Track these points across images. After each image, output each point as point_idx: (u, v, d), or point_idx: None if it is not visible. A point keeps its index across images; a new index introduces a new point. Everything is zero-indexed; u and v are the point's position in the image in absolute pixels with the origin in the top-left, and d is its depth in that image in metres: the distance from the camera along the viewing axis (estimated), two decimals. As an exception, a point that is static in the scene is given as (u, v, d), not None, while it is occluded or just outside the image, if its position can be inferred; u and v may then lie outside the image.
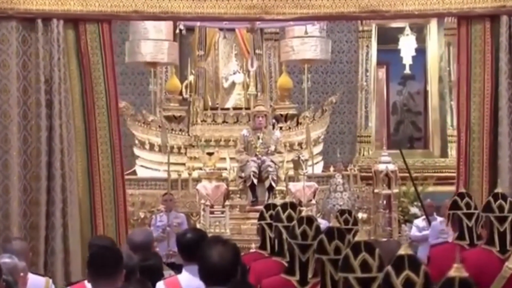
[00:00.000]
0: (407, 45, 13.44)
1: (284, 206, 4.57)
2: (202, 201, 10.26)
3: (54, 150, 7.18)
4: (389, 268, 2.51)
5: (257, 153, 10.52)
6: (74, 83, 7.40)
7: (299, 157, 10.69)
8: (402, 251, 2.52)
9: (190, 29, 11.77)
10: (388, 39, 13.65)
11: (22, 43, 7.29)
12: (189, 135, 12.04)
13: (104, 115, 7.39)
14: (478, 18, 7.58)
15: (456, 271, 2.36)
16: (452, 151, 13.35)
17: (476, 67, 7.60)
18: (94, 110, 7.38)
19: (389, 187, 10.72)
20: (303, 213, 3.98)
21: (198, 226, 10.03)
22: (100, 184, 7.30)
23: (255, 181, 10.32)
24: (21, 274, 4.55)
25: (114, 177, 7.36)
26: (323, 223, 7.88)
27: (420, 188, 11.85)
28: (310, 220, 3.86)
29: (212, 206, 10.23)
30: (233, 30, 12.25)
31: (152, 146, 12.04)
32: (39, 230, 7.07)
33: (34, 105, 7.23)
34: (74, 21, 7.37)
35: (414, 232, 10.64)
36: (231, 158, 11.05)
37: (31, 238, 7.02)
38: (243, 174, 10.52)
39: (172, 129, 12.03)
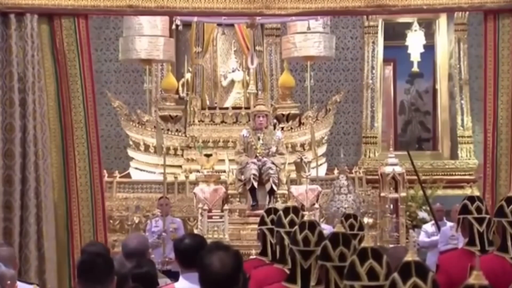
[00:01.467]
0: (415, 41, 13.44)
1: (286, 211, 4.56)
2: (200, 205, 10.26)
3: (28, 152, 7.09)
4: (395, 275, 2.51)
5: (258, 155, 10.52)
6: (49, 81, 7.34)
7: (301, 159, 10.69)
8: (409, 257, 2.52)
9: (187, 25, 11.76)
10: (395, 35, 13.66)
11: None
12: (186, 135, 12.04)
13: (81, 114, 7.33)
14: (506, 12, 7.52)
15: (476, 279, 2.35)
16: (462, 153, 13.37)
17: (504, 64, 7.55)
18: (70, 110, 7.31)
19: (396, 190, 10.71)
20: (305, 218, 3.97)
21: (195, 231, 10.04)
22: (77, 188, 7.23)
23: (256, 184, 10.31)
24: (8, 282, 4.54)
25: (91, 181, 7.29)
26: (326, 229, 7.87)
27: (428, 192, 11.86)
28: (312, 225, 3.86)
29: (210, 211, 10.23)
30: (232, 25, 12.26)
31: (147, 148, 12.04)
32: (12, 236, 6.95)
33: (9, 105, 7.15)
34: (48, 15, 7.31)
35: (422, 238, 10.64)
36: (230, 160, 11.05)
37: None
38: (242, 177, 10.51)
39: (168, 130, 12.04)
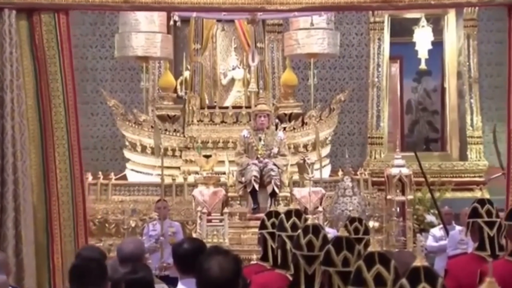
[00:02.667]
0: (422, 38, 13.43)
1: (288, 214, 4.56)
2: (199, 209, 10.26)
3: (6, 153, 7.03)
4: (403, 281, 2.51)
5: (259, 156, 10.52)
6: (28, 79, 7.30)
7: (304, 160, 10.68)
8: (417, 262, 2.52)
9: (186, 21, 11.76)
10: (402, 31, 13.65)
11: None
12: (184, 136, 12.05)
13: (61, 114, 7.29)
14: None
15: (489, 286, 2.34)
16: (472, 154, 13.37)
17: None
18: (50, 109, 7.27)
19: (403, 193, 10.70)
20: (309, 221, 3.96)
21: (194, 235, 10.03)
22: (57, 190, 7.19)
23: (257, 186, 10.31)
24: (-1, 288, 4.54)
25: (72, 183, 7.25)
26: (330, 232, 7.87)
27: (437, 194, 11.84)
28: (316, 229, 3.85)
29: (209, 214, 10.23)
30: (232, 21, 12.25)
31: (144, 148, 12.04)
32: None
33: None
34: (27, 11, 7.27)
35: (430, 242, 10.63)
36: (230, 161, 11.04)
37: None
38: (243, 179, 10.51)
39: (166, 130, 12.04)
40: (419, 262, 2.51)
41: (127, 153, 12.36)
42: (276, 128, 11.45)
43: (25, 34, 7.27)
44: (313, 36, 11.94)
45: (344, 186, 10.48)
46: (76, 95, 7.50)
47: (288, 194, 10.72)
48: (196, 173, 11.21)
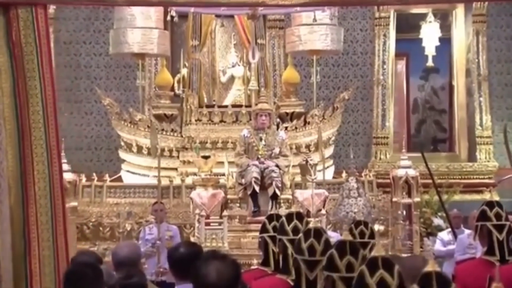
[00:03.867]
0: (430, 34, 13.43)
1: (289, 217, 4.56)
2: (197, 211, 10.26)
3: None
4: (415, 287, 2.51)
5: (259, 157, 10.52)
6: (4, 77, 7.25)
7: (307, 161, 10.69)
8: (429, 267, 2.52)
9: (183, 16, 11.78)
10: (408, 27, 13.65)
11: None
12: (182, 136, 12.05)
13: (39, 114, 7.26)
14: None
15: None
16: (481, 155, 13.37)
17: None
18: (27, 108, 7.24)
19: (409, 195, 10.71)
20: (311, 225, 3.97)
21: (192, 239, 10.03)
22: (35, 193, 7.16)
23: (257, 188, 10.32)
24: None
25: (51, 185, 7.23)
26: (334, 236, 7.87)
27: (444, 197, 11.85)
28: (318, 233, 3.86)
29: (208, 217, 10.23)
30: (232, 17, 12.26)
31: (140, 149, 12.05)
32: None
33: None
34: (4, 5, 7.25)
35: (438, 246, 10.64)
36: (229, 163, 11.05)
37: None
38: (243, 181, 10.52)
39: (163, 130, 12.04)
40: (431, 267, 2.52)
41: (122, 154, 12.36)
42: (278, 128, 11.45)
43: (2, 30, 7.23)
44: (316, 32, 11.94)
45: (349, 187, 10.46)
46: (55, 94, 7.47)
47: (290, 197, 10.72)
48: (194, 174, 11.22)
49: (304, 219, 4.56)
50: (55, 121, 7.23)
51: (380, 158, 13.38)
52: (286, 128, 11.89)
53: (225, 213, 10.19)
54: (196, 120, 12.02)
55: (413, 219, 10.67)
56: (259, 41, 12.15)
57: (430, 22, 13.41)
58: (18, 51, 7.23)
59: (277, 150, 10.65)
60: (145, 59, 12.57)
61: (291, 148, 11.34)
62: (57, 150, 7.20)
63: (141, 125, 12.04)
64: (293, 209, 4.83)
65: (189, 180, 11.38)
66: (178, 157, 12.00)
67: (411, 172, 10.72)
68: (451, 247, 10.41)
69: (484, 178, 13.25)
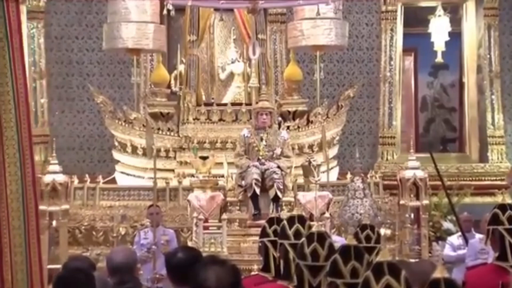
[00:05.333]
0: (439, 28, 13.45)
1: (291, 220, 4.56)
2: (195, 215, 10.27)
3: None
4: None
5: (260, 157, 10.53)
6: None
7: (310, 162, 10.69)
8: (437, 273, 2.53)
9: (180, 10, 11.77)
10: (417, 21, 13.67)
11: None
12: (179, 135, 12.06)
13: (11, 112, 7.26)
14: None
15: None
16: (493, 155, 13.38)
17: None
18: None
19: (417, 198, 10.72)
20: (314, 229, 3.97)
21: (189, 244, 10.05)
22: (6, 196, 7.17)
23: (258, 190, 10.32)
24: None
25: (23, 188, 7.23)
26: (338, 241, 7.88)
27: (454, 199, 11.86)
28: (321, 237, 3.86)
29: (206, 221, 10.24)
30: (231, 10, 12.27)
31: (134, 149, 12.06)
32: None
33: None
34: None
35: (447, 251, 10.64)
36: (229, 163, 11.06)
37: None
38: (243, 182, 10.52)
39: (159, 129, 12.05)
40: (440, 273, 2.52)
41: (116, 154, 12.37)
42: (279, 127, 11.45)
43: None
44: (319, 26, 11.94)
45: (355, 188, 10.46)
46: (27, 91, 7.47)
47: (292, 199, 10.73)
48: (192, 176, 11.22)
49: (306, 222, 4.56)
50: (27, 120, 7.22)
51: (387, 159, 13.38)
52: (288, 127, 11.90)
53: (224, 216, 10.20)
54: (193, 119, 12.03)
55: (422, 222, 10.67)
56: (259, 36, 12.16)
57: (439, 16, 13.42)
58: None
59: (278, 151, 10.65)
60: (140, 55, 12.58)
61: (293, 149, 11.35)
62: (30, 151, 7.19)
63: (136, 124, 12.06)
64: (295, 212, 4.84)
65: (186, 182, 11.38)
66: (175, 157, 12.01)
67: (419, 174, 10.73)
68: (461, 252, 10.41)
69: (496, 180, 13.25)
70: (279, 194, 10.32)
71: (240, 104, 12.19)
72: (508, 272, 4.81)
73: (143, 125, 11.82)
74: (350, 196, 10.41)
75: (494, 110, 13.48)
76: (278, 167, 10.46)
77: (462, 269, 9.68)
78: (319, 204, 10.25)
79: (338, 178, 12.05)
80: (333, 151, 12.26)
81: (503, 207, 5.05)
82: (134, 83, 12.63)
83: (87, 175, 11.99)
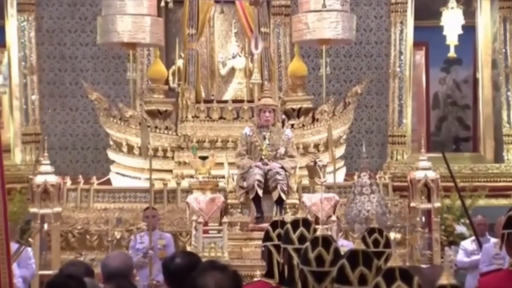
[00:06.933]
0: (452, 21, 13.44)
1: (295, 224, 4.57)
2: (194, 218, 10.27)
3: None
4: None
5: (263, 157, 10.53)
6: None
7: (315, 162, 10.69)
8: (444, 280, 2.53)
9: (179, 2, 11.79)
10: (428, 13, 13.67)
11: None
12: (177, 134, 12.07)
13: None
14: None
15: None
16: (509, 155, 13.38)
17: None
18: None
19: (429, 200, 10.72)
20: (319, 232, 3.97)
21: (188, 249, 10.05)
22: None
23: (260, 192, 10.32)
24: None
25: None
26: (346, 245, 7.88)
27: (468, 202, 11.85)
28: (327, 241, 3.86)
29: (206, 224, 10.24)
30: (232, 2, 12.28)
31: (130, 149, 12.07)
32: None
33: None
34: None
35: (461, 257, 10.64)
36: (229, 164, 11.06)
37: None
38: (245, 184, 10.52)
39: (156, 127, 12.06)
40: (446, 279, 2.52)
41: (111, 154, 12.38)
42: (283, 126, 11.46)
43: None
44: (325, 19, 11.94)
45: (361, 184, 10.45)
46: None
47: (297, 201, 10.72)
48: (191, 177, 11.22)
49: (312, 226, 4.57)
50: None
51: (397, 159, 13.39)
52: (292, 125, 11.90)
53: (225, 219, 10.20)
54: (192, 117, 12.04)
55: (433, 226, 10.67)
56: (262, 29, 12.16)
57: (452, 8, 13.42)
58: None
59: (282, 150, 10.65)
60: (136, 49, 12.59)
61: (298, 148, 11.35)
62: None
63: (132, 122, 12.06)
64: (300, 215, 4.84)
65: (185, 183, 11.39)
66: (173, 157, 12.02)
67: (431, 175, 10.73)
68: (475, 257, 10.41)
69: (511, 181, 13.25)
70: (283, 196, 10.32)
71: (242, 101, 12.20)
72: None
73: (139, 123, 11.82)
74: (357, 192, 10.40)
75: (510, 108, 13.49)
76: (282, 167, 10.46)
77: (476, 275, 9.67)
78: (325, 207, 10.25)
79: (345, 179, 12.06)
80: (340, 151, 12.27)
81: (518, 210, 5.05)
82: (130, 79, 12.62)
83: (80, 176, 12.00)
